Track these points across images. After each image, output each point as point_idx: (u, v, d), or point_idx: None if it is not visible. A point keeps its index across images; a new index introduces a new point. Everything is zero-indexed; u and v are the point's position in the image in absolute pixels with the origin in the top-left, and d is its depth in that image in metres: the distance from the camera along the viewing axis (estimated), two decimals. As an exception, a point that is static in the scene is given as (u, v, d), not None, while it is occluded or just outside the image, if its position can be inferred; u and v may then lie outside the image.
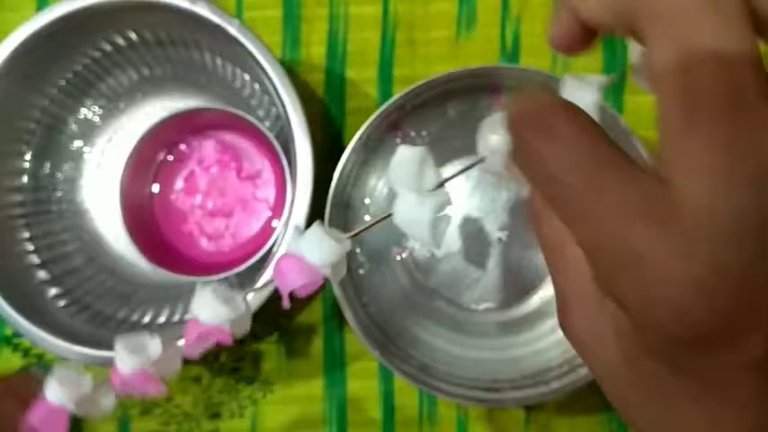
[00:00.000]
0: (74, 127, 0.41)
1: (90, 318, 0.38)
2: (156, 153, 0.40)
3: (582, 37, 0.16)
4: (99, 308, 0.39)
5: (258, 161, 0.40)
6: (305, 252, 0.22)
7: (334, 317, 0.41)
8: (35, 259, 0.39)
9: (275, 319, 0.41)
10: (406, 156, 0.20)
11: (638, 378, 0.14)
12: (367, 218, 0.39)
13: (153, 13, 0.37)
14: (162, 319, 0.39)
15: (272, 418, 0.41)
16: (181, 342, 0.25)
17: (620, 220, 0.13)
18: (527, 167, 0.15)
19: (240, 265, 0.36)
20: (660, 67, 0.13)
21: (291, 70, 0.41)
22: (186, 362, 0.41)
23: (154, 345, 0.24)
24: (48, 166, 0.41)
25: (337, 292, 0.35)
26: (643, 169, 0.13)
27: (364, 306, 0.37)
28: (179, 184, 0.41)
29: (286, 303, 0.22)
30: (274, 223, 0.40)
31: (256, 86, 0.39)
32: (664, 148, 0.13)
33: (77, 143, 0.41)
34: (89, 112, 0.41)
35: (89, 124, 0.41)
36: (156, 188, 0.40)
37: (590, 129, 0.14)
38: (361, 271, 0.39)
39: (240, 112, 0.37)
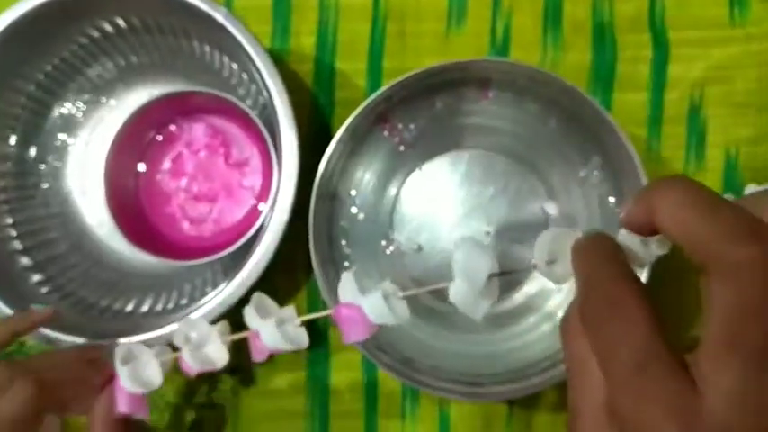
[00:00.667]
0: (60, 112, 0.41)
1: (72, 305, 0.38)
2: (146, 132, 0.40)
3: (649, 230, 0.18)
4: (82, 295, 0.38)
5: (247, 149, 0.40)
6: (365, 309, 0.26)
7: (319, 309, 0.41)
8: (18, 245, 0.38)
9: (259, 309, 0.41)
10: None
11: None
12: (353, 210, 0.39)
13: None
14: (145, 308, 0.38)
15: (254, 409, 0.40)
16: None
17: (653, 407, 0.15)
18: (590, 323, 0.17)
19: (222, 251, 0.36)
20: (718, 302, 0.15)
21: (280, 60, 0.41)
22: (173, 349, 0.41)
23: (155, 375, 0.28)
24: (32, 151, 0.40)
25: (321, 284, 0.35)
26: (681, 365, 0.15)
27: (349, 298, 0.37)
28: (166, 164, 0.40)
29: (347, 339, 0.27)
30: (261, 206, 0.39)
31: (244, 76, 0.39)
32: (702, 359, 0.15)
33: (63, 128, 0.41)
34: (75, 97, 0.41)
35: (75, 110, 0.41)
36: (142, 167, 0.40)
37: (652, 317, 0.16)
38: (347, 263, 0.38)
39: (231, 98, 0.37)
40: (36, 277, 0.38)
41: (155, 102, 0.37)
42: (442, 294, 0.39)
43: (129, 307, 0.38)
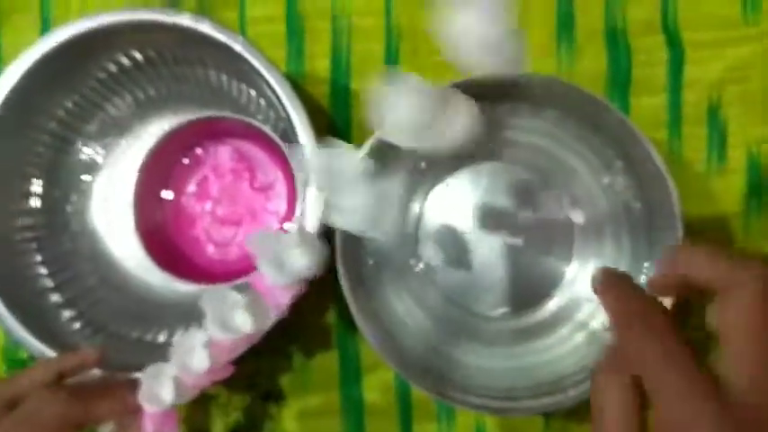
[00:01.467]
0: (83, 147, 0.41)
1: (104, 339, 0.38)
2: (173, 156, 0.40)
3: (677, 288, 0.23)
4: (113, 329, 0.39)
5: (272, 173, 0.40)
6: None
7: (349, 328, 0.41)
8: (48, 282, 0.39)
9: (290, 333, 0.41)
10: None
11: None
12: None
13: (157, 32, 0.37)
14: (177, 338, 0.38)
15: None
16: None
17: (682, 397, 0.19)
18: (627, 346, 0.21)
19: (248, 274, 0.36)
20: (735, 310, 0.20)
21: (296, 83, 0.41)
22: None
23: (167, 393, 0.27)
24: (58, 187, 0.41)
25: (351, 303, 0.35)
26: (699, 365, 0.19)
27: (378, 318, 0.37)
28: (191, 187, 0.41)
29: None
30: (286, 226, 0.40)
31: (262, 102, 0.39)
32: (728, 358, 0.19)
33: (87, 162, 0.41)
34: (96, 132, 0.41)
35: (96, 144, 0.41)
36: (169, 191, 0.41)
37: (674, 331, 0.20)
38: (374, 282, 0.38)
39: (255, 122, 0.37)
40: (67, 313, 0.38)
41: (183, 127, 0.37)
42: (471, 308, 0.39)
43: (162, 338, 0.39)
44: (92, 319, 0.39)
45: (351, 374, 0.40)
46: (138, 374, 0.34)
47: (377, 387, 0.40)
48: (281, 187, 0.40)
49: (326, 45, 0.42)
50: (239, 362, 0.32)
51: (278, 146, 0.37)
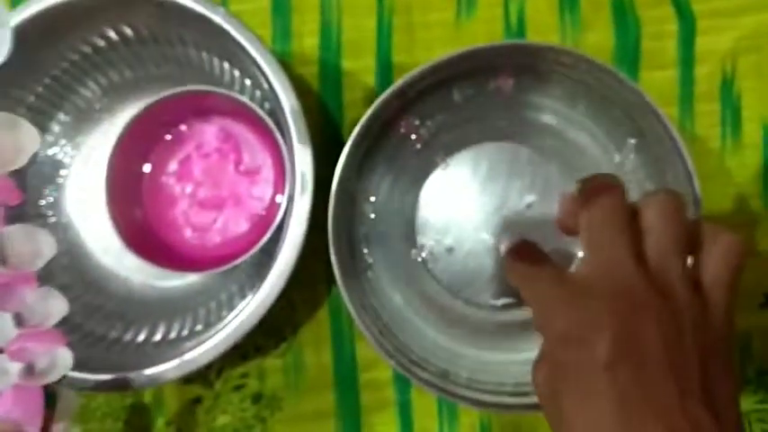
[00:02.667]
0: (54, 134, 0.38)
1: (80, 339, 0.35)
2: (154, 131, 0.37)
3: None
4: (90, 328, 0.36)
5: (260, 156, 0.37)
6: None
7: (343, 325, 0.38)
8: (18, 279, 0.36)
9: (280, 329, 0.38)
10: None
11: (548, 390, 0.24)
12: (373, 215, 0.37)
13: (133, 7, 0.34)
14: (158, 337, 0.36)
15: (281, 436, 0.38)
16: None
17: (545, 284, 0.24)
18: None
19: (229, 263, 0.33)
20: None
21: (283, 63, 0.39)
22: (186, 381, 0.38)
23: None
24: (29, 180, 0.38)
25: (345, 297, 0.32)
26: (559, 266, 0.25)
27: (375, 311, 0.35)
28: (172, 166, 0.38)
29: None
30: (278, 198, 0.37)
31: (247, 81, 0.37)
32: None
33: (59, 151, 0.39)
34: (69, 118, 0.38)
35: (70, 130, 0.39)
36: (147, 167, 0.38)
37: (543, 255, 0.26)
38: (370, 274, 0.36)
39: (243, 98, 0.34)
40: (39, 312, 0.35)
41: (165, 100, 0.34)
42: (475, 299, 0.37)
43: (141, 337, 0.36)
44: (65, 318, 0.36)
45: (346, 373, 0.38)
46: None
47: (374, 387, 0.38)
48: (268, 172, 0.37)
49: (315, 23, 0.39)
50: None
51: (268, 128, 0.34)
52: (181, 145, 0.37)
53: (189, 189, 0.37)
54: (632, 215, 0.24)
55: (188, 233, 0.37)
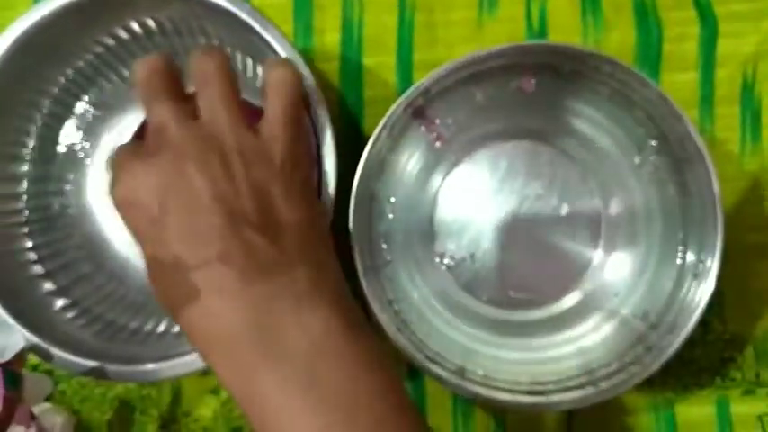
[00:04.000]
0: (75, 127, 0.39)
1: (101, 329, 0.35)
2: None
3: None
4: (110, 318, 0.36)
5: None
6: None
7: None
8: (39, 269, 0.36)
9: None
10: None
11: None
12: (391, 213, 0.37)
13: (157, 1, 0.34)
14: (177, 328, 0.36)
15: None
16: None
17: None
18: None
19: None
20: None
21: (305, 59, 0.39)
22: (204, 373, 0.38)
23: None
24: (49, 170, 0.38)
25: (367, 292, 0.33)
26: None
27: (392, 306, 0.35)
28: None
29: None
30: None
31: (269, 77, 0.37)
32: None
33: (80, 145, 0.39)
34: (91, 110, 0.39)
35: (92, 124, 0.39)
36: None
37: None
38: (388, 270, 0.36)
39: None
40: (60, 302, 0.36)
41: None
42: (495, 296, 0.37)
43: (161, 328, 0.36)
44: (87, 307, 0.36)
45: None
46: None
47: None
48: None
49: (336, 19, 0.39)
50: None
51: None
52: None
53: None
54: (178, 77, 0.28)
55: None
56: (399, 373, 0.38)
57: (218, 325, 0.24)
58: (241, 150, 0.25)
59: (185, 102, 0.27)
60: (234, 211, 0.24)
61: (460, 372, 0.34)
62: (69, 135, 0.39)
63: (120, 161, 0.27)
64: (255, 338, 0.23)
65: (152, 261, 0.26)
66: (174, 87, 0.27)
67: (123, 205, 0.26)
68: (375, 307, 0.33)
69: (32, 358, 0.38)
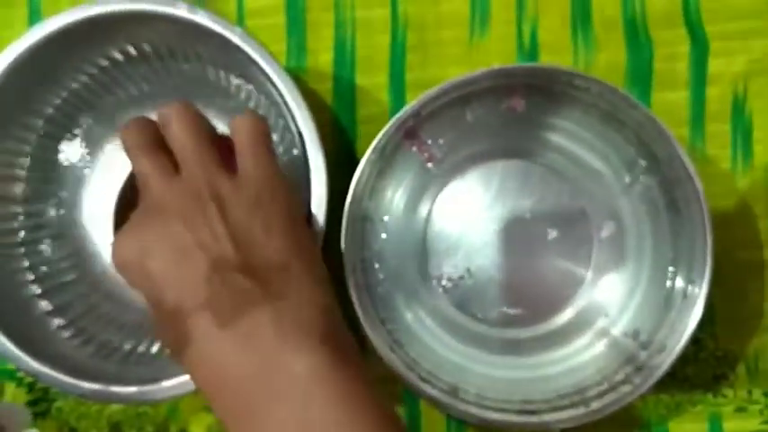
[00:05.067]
0: (70, 147, 0.39)
1: (96, 350, 0.36)
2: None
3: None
4: (105, 338, 0.36)
5: None
6: None
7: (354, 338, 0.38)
8: (36, 289, 0.37)
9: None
10: None
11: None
12: (384, 234, 0.37)
13: (151, 24, 0.35)
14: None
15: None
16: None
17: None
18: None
19: None
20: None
21: (298, 79, 0.39)
22: (198, 391, 0.39)
23: None
24: (45, 190, 0.39)
25: (359, 312, 0.33)
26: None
27: (384, 325, 0.35)
28: None
29: None
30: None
31: (262, 98, 0.37)
32: None
33: (75, 164, 0.39)
34: (86, 131, 0.39)
35: (87, 144, 0.39)
36: None
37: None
38: (380, 290, 0.36)
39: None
40: (57, 321, 0.36)
41: None
42: (486, 315, 0.37)
43: (154, 349, 0.36)
44: (82, 327, 0.36)
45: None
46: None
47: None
48: None
49: (329, 39, 0.40)
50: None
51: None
52: None
53: None
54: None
55: None
56: (393, 401, 0.38)
57: (212, 369, 0.25)
58: (217, 195, 0.27)
59: (167, 155, 0.28)
60: (215, 256, 0.25)
61: (453, 391, 0.34)
62: (65, 156, 0.39)
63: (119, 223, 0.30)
64: (249, 382, 0.24)
65: (153, 311, 0.27)
66: (155, 142, 0.29)
67: (120, 267, 0.28)
68: (367, 327, 0.33)
69: (28, 377, 0.38)
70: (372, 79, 0.39)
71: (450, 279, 0.37)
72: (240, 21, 0.40)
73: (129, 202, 0.35)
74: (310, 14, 0.40)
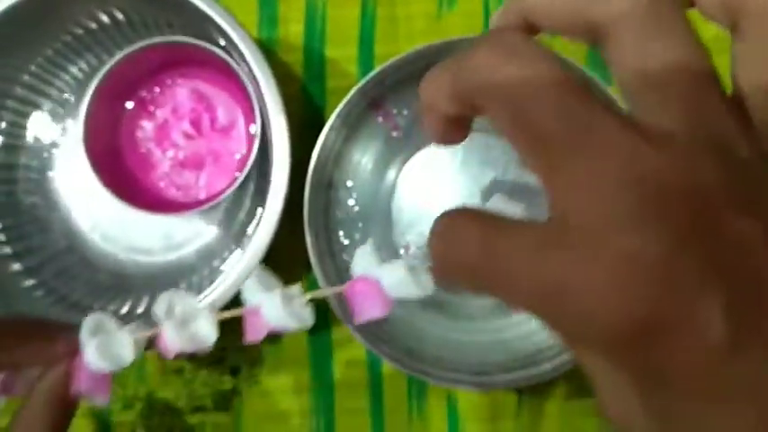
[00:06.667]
0: (43, 113, 0.40)
1: (66, 308, 0.37)
2: (126, 94, 0.38)
3: (454, 130, 0.18)
4: (75, 298, 0.37)
5: (232, 112, 0.38)
6: (383, 282, 0.22)
7: (319, 305, 0.39)
8: (7, 250, 0.37)
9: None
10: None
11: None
12: (350, 201, 0.38)
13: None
14: (140, 310, 0.37)
15: (258, 409, 0.39)
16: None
17: (520, 264, 0.13)
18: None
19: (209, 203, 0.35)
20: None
21: (269, 50, 0.40)
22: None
23: (126, 351, 0.23)
24: (17, 154, 0.39)
25: (320, 278, 0.34)
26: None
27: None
28: (149, 132, 0.39)
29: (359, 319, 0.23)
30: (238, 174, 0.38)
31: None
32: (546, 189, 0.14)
33: (48, 129, 0.40)
34: (58, 98, 0.40)
35: (59, 110, 0.40)
36: (124, 136, 0.39)
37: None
38: (345, 256, 0.37)
39: (214, 48, 0.35)
40: (28, 282, 0.37)
41: (135, 56, 0.35)
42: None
43: (125, 309, 0.37)
44: (53, 287, 0.37)
45: (321, 350, 0.39)
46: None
47: (347, 365, 0.39)
48: (241, 128, 0.38)
49: (300, 10, 0.40)
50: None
51: (240, 81, 0.35)
52: (154, 111, 0.39)
53: (170, 153, 0.38)
54: None
55: (173, 192, 0.38)
56: (357, 353, 0.39)
57: None
58: None
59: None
60: None
61: (410, 352, 0.35)
62: (37, 124, 0.40)
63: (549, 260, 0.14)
64: None
65: None
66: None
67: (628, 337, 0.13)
68: (332, 294, 0.34)
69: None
70: (342, 51, 0.40)
71: (417, 247, 0.38)
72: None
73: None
74: (282, -14, 0.40)
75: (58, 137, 0.40)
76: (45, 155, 0.40)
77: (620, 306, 0.12)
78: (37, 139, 0.40)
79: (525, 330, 0.36)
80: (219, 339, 0.39)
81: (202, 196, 0.38)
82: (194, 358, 0.40)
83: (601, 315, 0.12)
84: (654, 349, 0.12)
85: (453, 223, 0.15)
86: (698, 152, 0.12)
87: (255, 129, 0.35)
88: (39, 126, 0.40)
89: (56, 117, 0.40)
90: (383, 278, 0.22)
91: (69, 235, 0.40)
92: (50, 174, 0.40)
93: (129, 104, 0.39)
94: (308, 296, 0.25)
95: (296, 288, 0.24)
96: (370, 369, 0.39)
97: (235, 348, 0.40)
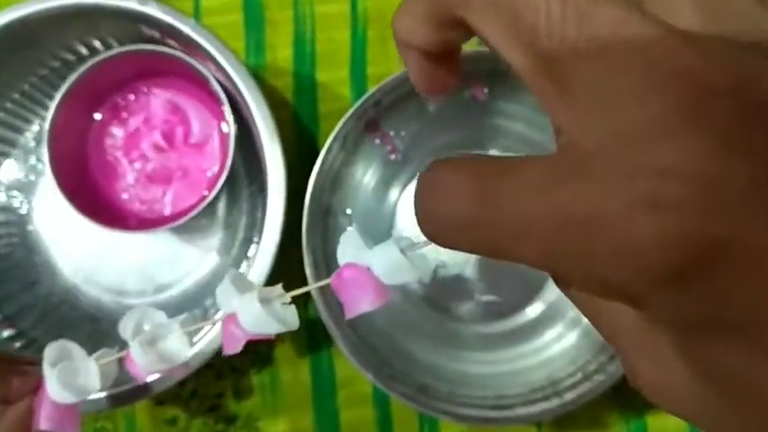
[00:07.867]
0: (21, 149, 0.38)
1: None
2: (102, 98, 0.36)
3: (440, 71, 0.14)
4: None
5: (207, 127, 0.36)
6: (374, 267, 0.19)
7: (321, 340, 0.37)
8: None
9: (254, 346, 0.37)
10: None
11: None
12: (350, 228, 0.36)
13: (101, 20, 0.34)
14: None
15: (258, 458, 0.37)
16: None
17: (533, 201, 0.10)
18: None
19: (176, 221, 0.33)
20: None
21: (257, 76, 0.38)
22: (160, 402, 0.37)
23: (92, 380, 0.21)
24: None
25: (320, 306, 0.32)
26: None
27: (352, 326, 0.34)
28: (119, 140, 0.36)
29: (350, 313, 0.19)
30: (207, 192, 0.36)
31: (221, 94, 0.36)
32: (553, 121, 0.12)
33: (29, 165, 0.38)
34: (40, 130, 0.38)
35: (38, 143, 0.38)
36: (92, 141, 0.37)
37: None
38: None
39: (190, 60, 0.33)
40: (6, 332, 0.34)
41: (111, 60, 0.33)
42: (455, 310, 0.36)
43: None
44: (34, 337, 0.35)
45: (325, 390, 0.37)
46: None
47: (353, 403, 0.37)
48: (215, 144, 0.36)
49: (288, 35, 0.39)
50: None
51: (216, 98, 0.33)
52: (126, 120, 0.36)
53: (138, 165, 0.36)
54: None
55: (137, 206, 0.36)
56: (363, 399, 0.37)
57: None
58: None
59: None
60: None
61: (424, 389, 0.33)
62: (15, 158, 0.38)
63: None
64: None
65: None
66: None
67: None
68: (335, 328, 0.32)
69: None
70: (333, 74, 0.39)
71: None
72: (197, 19, 0.39)
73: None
74: (269, 11, 0.39)
75: (37, 174, 0.38)
76: (23, 195, 0.37)
77: (667, 230, 0.09)
78: (13, 179, 0.37)
79: (543, 358, 0.34)
80: (214, 385, 0.37)
81: (167, 212, 0.36)
82: (188, 407, 0.37)
83: (642, 245, 0.09)
84: (712, 284, 0.09)
85: (438, 174, 0.12)
86: (731, 48, 0.10)
87: (228, 144, 0.33)
88: (15, 164, 0.38)
89: (34, 152, 0.38)
90: (373, 263, 0.19)
91: (49, 279, 0.37)
92: (30, 213, 0.37)
93: (101, 111, 0.36)
94: (290, 295, 0.21)
95: (276, 288, 0.21)
96: (377, 407, 0.37)
97: (231, 395, 0.37)
